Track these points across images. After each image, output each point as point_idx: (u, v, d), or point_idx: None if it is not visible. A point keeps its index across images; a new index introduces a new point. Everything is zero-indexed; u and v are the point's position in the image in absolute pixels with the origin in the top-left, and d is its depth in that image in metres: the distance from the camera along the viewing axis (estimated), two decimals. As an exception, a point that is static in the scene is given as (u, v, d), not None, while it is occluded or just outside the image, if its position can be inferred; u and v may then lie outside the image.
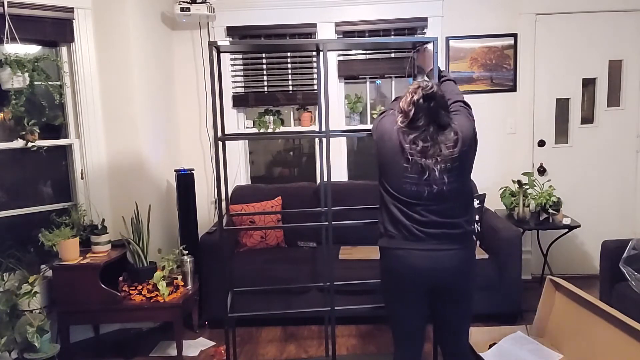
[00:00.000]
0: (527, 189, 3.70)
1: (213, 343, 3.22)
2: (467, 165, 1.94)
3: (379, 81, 4.23)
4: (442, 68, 3.94)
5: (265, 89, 4.11)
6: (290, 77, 4.10)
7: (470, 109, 2.04)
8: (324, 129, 2.58)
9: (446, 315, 2.02)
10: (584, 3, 3.90)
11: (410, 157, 1.85)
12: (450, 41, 3.99)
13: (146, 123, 3.50)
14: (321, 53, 2.49)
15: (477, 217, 3.57)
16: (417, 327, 2.03)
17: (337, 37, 3.98)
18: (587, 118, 4.08)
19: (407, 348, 2.04)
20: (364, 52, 4.03)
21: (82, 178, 3.32)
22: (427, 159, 1.83)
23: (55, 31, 3.12)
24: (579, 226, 3.62)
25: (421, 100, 1.84)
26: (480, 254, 3.33)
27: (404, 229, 1.91)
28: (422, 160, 1.84)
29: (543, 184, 3.71)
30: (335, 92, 4.04)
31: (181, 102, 4.11)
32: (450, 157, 1.84)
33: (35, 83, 2.93)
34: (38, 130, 3.05)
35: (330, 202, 2.54)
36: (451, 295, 1.98)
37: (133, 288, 3.04)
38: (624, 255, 2.84)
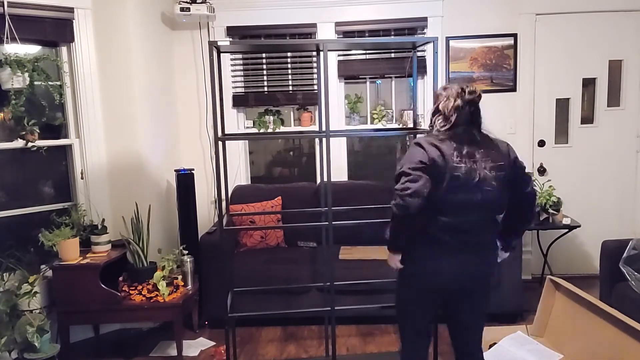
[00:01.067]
0: (527, 189, 3.70)
1: (213, 343, 3.22)
2: (509, 178, 1.87)
3: (379, 81, 4.23)
4: (443, 68, 3.97)
5: (265, 89, 4.11)
6: (290, 77, 4.10)
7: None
8: (324, 129, 2.58)
9: (465, 316, 2.01)
10: (584, 3, 3.90)
11: (460, 165, 1.79)
12: (450, 41, 3.99)
13: (146, 123, 3.50)
14: (321, 53, 2.49)
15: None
16: (429, 326, 2.05)
17: (337, 37, 3.98)
18: (587, 118, 4.08)
19: (417, 345, 2.05)
20: (364, 52, 4.03)
21: (82, 178, 3.32)
22: (477, 163, 1.79)
23: (55, 31, 3.11)
24: (579, 226, 3.62)
25: (465, 106, 1.81)
26: (480, 254, 3.33)
27: (441, 234, 1.85)
28: (472, 165, 1.79)
29: (543, 184, 3.71)
30: (335, 92, 4.04)
31: (181, 102, 4.11)
32: (498, 165, 1.82)
33: (35, 83, 2.93)
34: (38, 130, 3.05)
35: (330, 202, 2.54)
36: (472, 297, 1.97)
37: (133, 288, 3.03)
38: (624, 255, 2.84)
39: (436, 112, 1.87)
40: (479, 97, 1.85)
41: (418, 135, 1.93)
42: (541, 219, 3.66)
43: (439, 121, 1.85)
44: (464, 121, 1.82)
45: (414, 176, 1.75)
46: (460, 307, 2.00)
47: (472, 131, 1.83)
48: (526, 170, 1.98)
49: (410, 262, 1.95)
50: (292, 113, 4.22)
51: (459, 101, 1.81)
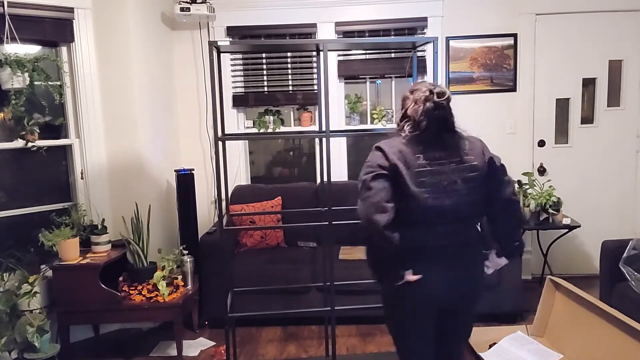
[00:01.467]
0: (527, 189, 3.70)
1: (213, 343, 3.22)
2: (485, 180, 1.79)
3: (379, 81, 4.23)
4: (443, 68, 3.97)
5: (265, 89, 4.11)
6: (290, 77, 4.10)
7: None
8: (324, 129, 2.58)
9: (453, 327, 1.95)
10: (584, 3, 3.90)
11: (426, 169, 1.71)
12: (450, 41, 3.98)
13: (146, 123, 3.50)
14: (321, 53, 2.49)
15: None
16: (431, 349, 1.92)
17: (337, 37, 3.98)
18: (587, 118, 4.08)
19: None
20: (364, 52, 4.03)
21: (82, 178, 3.32)
22: (445, 167, 1.72)
23: (55, 31, 3.11)
24: (579, 226, 3.62)
25: (435, 110, 1.72)
26: (480, 254, 3.33)
27: (424, 250, 1.75)
28: (439, 168, 1.71)
29: (543, 184, 3.71)
30: (335, 92, 4.04)
31: (181, 102, 4.11)
32: (469, 165, 1.74)
33: (35, 83, 2.93)
34: (38, 130, 3.06)
35: (330, 202, 2.54)
36: (462, 310, 1.91)
37: (133, 288, 3.03)
38: (624, 255, 2.84)
39: (404, 117, 1.78)
40: (448, 99, 1.74)
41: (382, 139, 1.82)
42: (541, 219, 3.66)
43: (408, 127, 1.75)
44: (434, 124, 1.73)
45: (375, 189, 1.68)
46: (445, 322, 1.89)
47: (441, 133, 1.74)
48: (507, 173, 1.88)
49: (389, 281, 1.83)
50: (292, 113, 4.22)
51: (428, 105, 1.72)
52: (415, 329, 1.87)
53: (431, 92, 1.74)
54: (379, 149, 1.77)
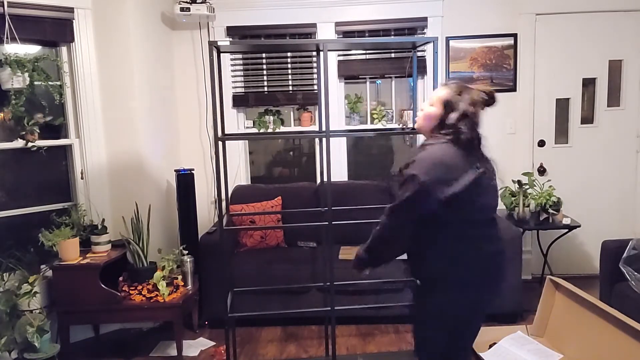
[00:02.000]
0: (527, 189, 3.70)
1: (213, 343, 3.22)
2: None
3: (379, 81, 4.23)
4: (443, 68, 3.97)
5: (265, 89, 4.11)
6: (290, 77, 4.10)
7: None
8: (324, 129, 2.58)
9: (470, 332, 1.96)
10: (584, 3, 3.90)
11: (481, 170, 1.73)
12: (450, 41, 3.98)
13: (146, 123, 3.50)
14: (321, 53, 2.49)
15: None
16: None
17: (337, 37, 3.98)
18: (587, 118, 4.08)
19: None
20: (364, 52, 4.03)
21: (82, 178, 3.32)
22: (486, 165, 1.78)
23: (55, 31, 3.11)
24: (579, 226, 3.62)
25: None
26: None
27: (474, 258, 1.74)
28: (485, 166, 1.77)
29: (543, 184, 3.71)
30: (335, 92, 4.04)
31: (181, 102, 4.11)
32: (489, 164, 1.83)
33: (35, 83, 2.93)
34: (38, 130, 3.06)
35: (330, 202, 2.54)
36: (484, 316, 1.93)
37: (133, 288, 3.03)
38: (624, 255, 2.85)
39: (463, 117, 1.75)
40: (495, 97, 1.84)
41: (429, 143, 1.79)
42: (541, 219, 3.66)
43: (465, 127, 1.74)
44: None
45: (407, 227, 1.73)
46: (463, 328, 1.90)
47: (479, 135, 1.80)
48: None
49: (446, 291, 1.76)
50: (292, 113, 4.22)
51: (482, 106, 1.79)
52: (447, 339, 1.87)
53: (485, 90, 1.81)
54: (441, 156, 1.71)
